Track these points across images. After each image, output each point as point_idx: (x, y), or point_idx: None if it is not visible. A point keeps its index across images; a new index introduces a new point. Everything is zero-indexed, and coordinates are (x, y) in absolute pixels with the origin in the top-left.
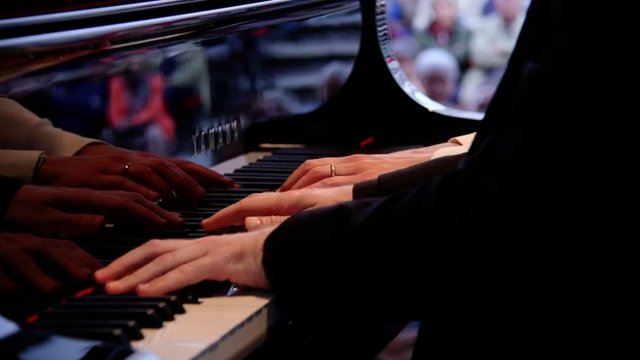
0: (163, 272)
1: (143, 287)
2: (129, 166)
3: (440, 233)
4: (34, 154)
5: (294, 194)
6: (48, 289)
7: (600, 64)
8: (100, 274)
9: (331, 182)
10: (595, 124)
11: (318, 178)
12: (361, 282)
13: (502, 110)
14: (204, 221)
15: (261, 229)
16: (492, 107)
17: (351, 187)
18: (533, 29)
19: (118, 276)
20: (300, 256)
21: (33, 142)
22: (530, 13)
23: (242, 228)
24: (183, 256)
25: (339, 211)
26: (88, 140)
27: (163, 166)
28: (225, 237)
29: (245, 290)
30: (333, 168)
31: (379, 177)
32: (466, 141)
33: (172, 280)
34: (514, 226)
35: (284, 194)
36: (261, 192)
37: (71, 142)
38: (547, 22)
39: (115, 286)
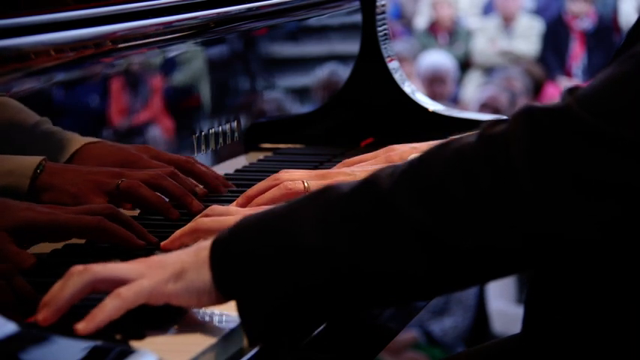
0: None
1: (81, 327)
2: (122, 181)
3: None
4: (33, 161)
5: None
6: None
7: None
8: (42, 315)
9: None
10: None
11: (289, 195)
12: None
13: None
14: (163, 243)
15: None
16: None
17: None
18: None
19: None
20: (277, 252)
21: (33, 141)
22: None
23: None
24: (119, 274)
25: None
26: (87, 139)
27: (160, 179)
28: (160, 257)
29: None
30: (306, 185)
31: None
32: None
33: (111, 309)
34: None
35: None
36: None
37: (70, 140)
38: None
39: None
